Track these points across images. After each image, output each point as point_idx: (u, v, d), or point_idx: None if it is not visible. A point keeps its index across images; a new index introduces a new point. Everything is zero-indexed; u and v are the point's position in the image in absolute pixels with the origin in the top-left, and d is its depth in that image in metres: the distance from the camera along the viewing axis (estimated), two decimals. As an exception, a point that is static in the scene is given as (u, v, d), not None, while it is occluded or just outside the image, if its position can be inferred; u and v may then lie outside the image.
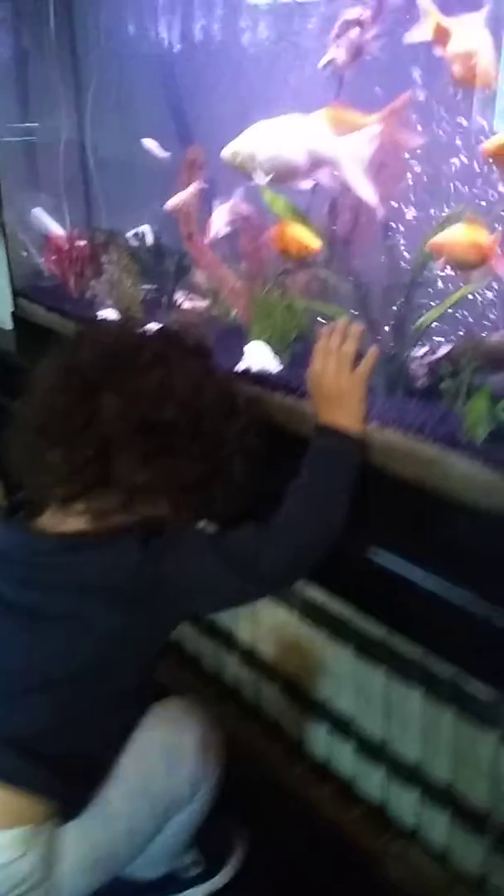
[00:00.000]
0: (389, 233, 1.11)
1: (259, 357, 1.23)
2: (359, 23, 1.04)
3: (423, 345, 1.10)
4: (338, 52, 1.06)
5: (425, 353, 1.08)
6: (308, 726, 1.30)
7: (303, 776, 1.30)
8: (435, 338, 1.11)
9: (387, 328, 1.11)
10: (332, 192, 1.12)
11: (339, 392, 1.04)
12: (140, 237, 1.52)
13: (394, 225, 1.12)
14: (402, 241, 1.12)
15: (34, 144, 1.79)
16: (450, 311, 1.06)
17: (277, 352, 1.23)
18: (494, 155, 0.90)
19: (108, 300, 1.53)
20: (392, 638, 1.08)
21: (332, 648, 1.19)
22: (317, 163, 1.04)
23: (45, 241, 1.71)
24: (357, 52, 1.05)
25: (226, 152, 1.07)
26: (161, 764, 1.00)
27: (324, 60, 1.08)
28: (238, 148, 1.05)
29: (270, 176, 1.04)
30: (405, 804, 1.16)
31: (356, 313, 1.12)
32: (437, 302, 1.09)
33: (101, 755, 0.98)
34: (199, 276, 1.43)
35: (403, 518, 1.03)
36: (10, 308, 1.82)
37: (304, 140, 1.03)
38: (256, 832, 1.21)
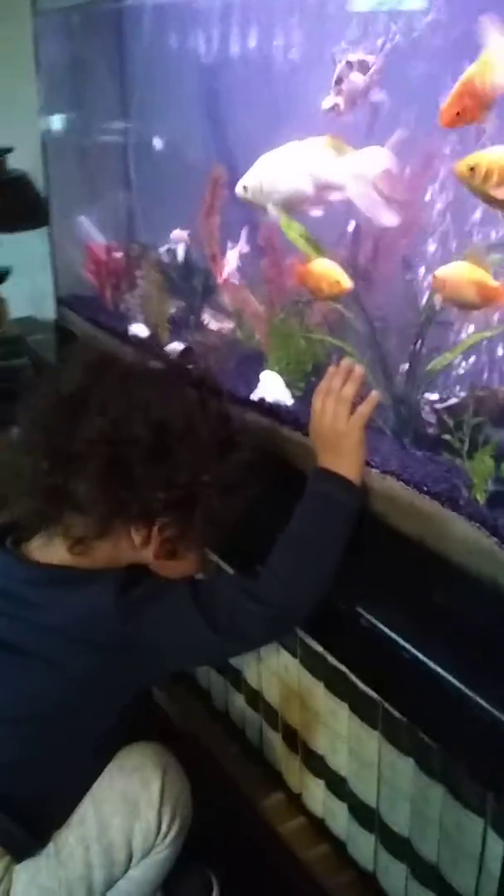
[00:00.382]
0: (408, 267, 1.03)
1: (272, 387, 1.18)
2: (361, 65, 0.97)
3: (436, 390, 1.01)
4: (338, 100, 0.99)
5: (437, 400, 1.00)
6: (307, 779, 1.23)
7: (298, 831, 1.23)
8: (451, 384, 1.03)
9: (399, 369, 1.03)
10: (347, 220, 1.05)
11: (336, 435, 0.98)
12: (172, 253, 1.48)
13: (413, 258, 1.04)
14: (420, 276, 1.04)
15: (84, 153, 1.77)
16: (464, 355, 0.98)
17: (291, 383, 1.17)
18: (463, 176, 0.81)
19: (140, 315, 1.50)
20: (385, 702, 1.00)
21: (330, 703, 1.12)
22: (322, 188, 0.99)
23: (85, 250, 1.69)
24: (357, 97, 0.99)
25: (238, 188, 1.07)
26: (118, 815, 0.96)
27: (325, 106, 1.02)
28: (247, 182, 1.06)
29: (277, 208, 0.99)
30: (395, 877, 1.08)
31: (370, 352, 1.04)
32: (455, 344, 1.00)
33: (57, 799, 0.96)
34: (224, 297, 1.38)
35: (397, 575, 0.96)
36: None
37: (307, 167, 0.99)
38: (240, 887, 1.16)
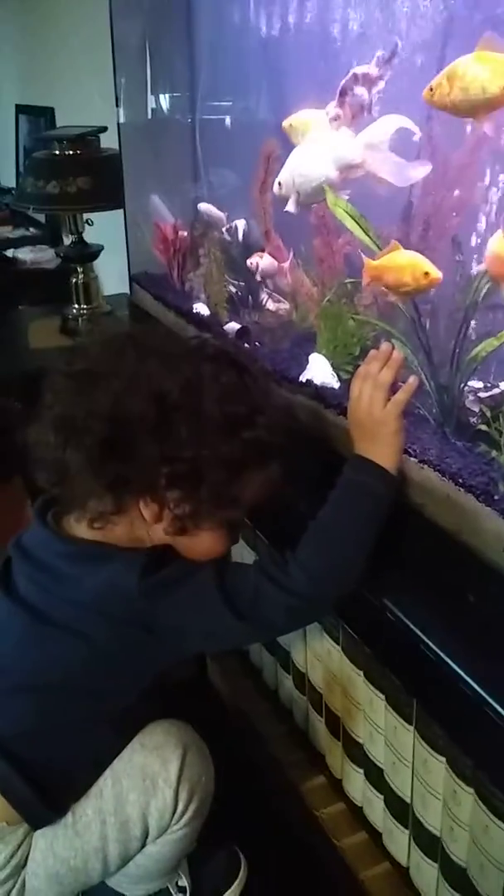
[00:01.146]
0: (457, 247, 0.98)
1: (319, 370, 1.15)
2: (367, 79, 0.93)
3: (480, 378, 0.97)
4: (343, 111, 0.96)
5: (480, 388, 0.95)
6: (347, 766, 1.22)
7: (337, 817, 1.23)
8: (497, 372, 0.98)
9: (444, 355, 0.99)
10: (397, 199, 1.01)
11: (373, 421, 0.95)
12: (233, 231, 1.46)
13: (464, 238, 0.99)
14: (471, 257, 0.98)
15: (155, 131, 1.77)
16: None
17: (339, 366, 1.14)
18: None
19: (202, 294, 1.50)
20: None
21: (369, 693, 1.10)
22: (345, 170, 0.96)
23: (154, 229, 1.70)
24: (362, 109, 0.95)
25: (275, 186, 1.06)
26: (135, 791, 0.98)
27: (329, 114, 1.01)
28: (281, 179, 1.06)
29: (295, 203, 1.01)
30: (427, 875, 1.06)
31: (415, 336, 1.00)
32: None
33: (75, 771, 0.98)
34: (279, 278, 1.36)
35: (430, 570, 0.93)
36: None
37: (327, 152, 0.95)
38: (271, 869, 1.17)
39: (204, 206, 1.57)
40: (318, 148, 1.01)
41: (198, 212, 1.59)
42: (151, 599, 0.90)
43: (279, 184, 1.05)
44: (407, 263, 0.95)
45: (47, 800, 0.94)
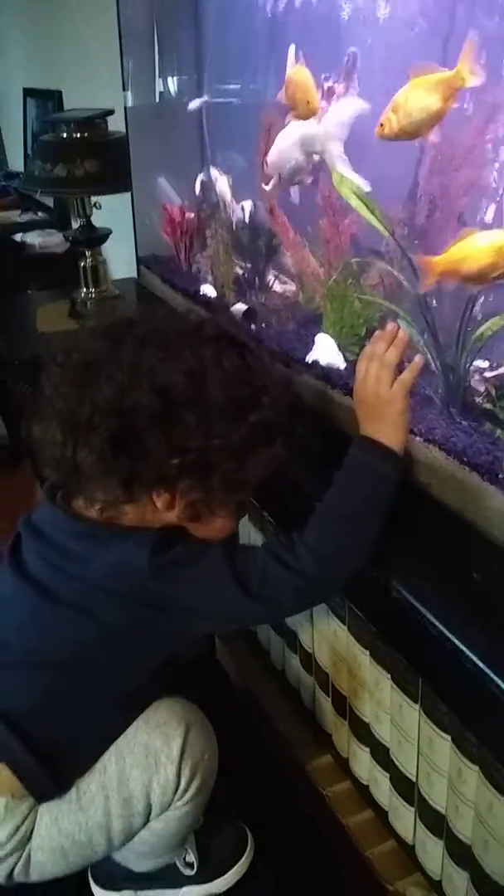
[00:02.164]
0: (464, 226, 0.98)
1: (325, 350, 1.15)
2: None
3: (486, 357, 0.96)
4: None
5: (486, 368, 0.95)
6: (354, 745, 1.23)
7: (343, 795, 1.24)
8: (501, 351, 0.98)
9: (449, 334, 0.98)
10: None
11: (379, 401, 0.95)
12: (239, 212, 1.46)
13: (470, 217, 0.98)
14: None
15: (162, 112, 1.76)
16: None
17: (345, 346, 1.14)
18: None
19: (209, 276, 1.49)
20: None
21: (374, 672, 1.11)
22: (310, 151, 0.99)
23: (162, 211, 1.69)
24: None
25: (264, 166, 1.11)
26: (138, 768, 0.99)
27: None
28: (269, 159, 1.11)
29: (275, 183, 1.00)
30: (432, 852, 1.07)
31: (420, 316, 1.00)
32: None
33: (81, 748, 0.99)
34: (286, 257, 1.35)
35: (435, 548, 0.93)
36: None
37: (296, 134, 0.98)
38: (278, 846, 1.18)
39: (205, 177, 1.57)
40: (294, 129, 1.05)
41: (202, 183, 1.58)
42: (161, 578, 0.90)
43: (266, 163, 1.07)
44: (496, 245, 0.87)
45: (53, 774, 0.95)
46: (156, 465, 0.87)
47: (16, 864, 0.97)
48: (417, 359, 0.94)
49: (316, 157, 1.06)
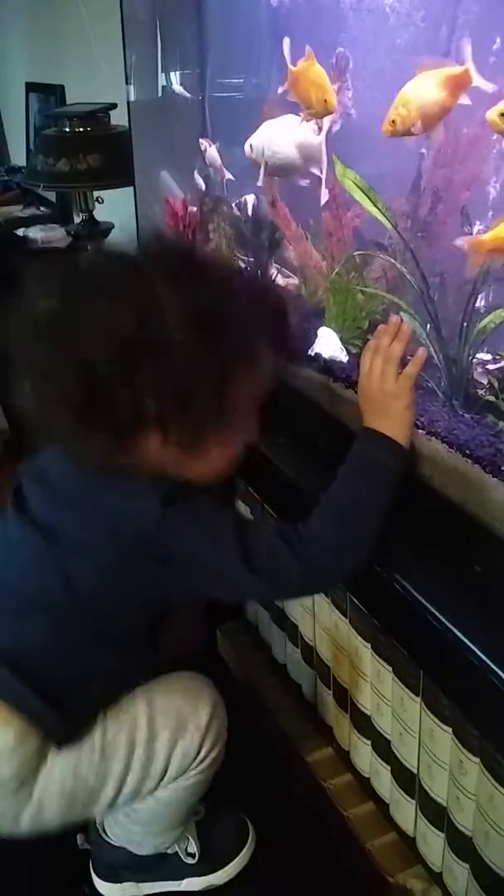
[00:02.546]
0: (467, 219, 0.98)
1: (328, 344, 1.15)
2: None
3: (488, 350, 0.97)
4: None
5: (489, 360, 0.95)
6: (355, 738, 1.23)
7: (344, 788, 1.24)
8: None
9: (452, 327, 0.98)
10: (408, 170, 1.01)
11: (384, 394, 0.95)
12: (242, 206, 1.45)
13: (474, 210, 0.98)
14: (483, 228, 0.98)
15: (164, 106, 1.76)
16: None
17: (347, 340, 1.14)
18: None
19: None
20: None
21: (376, 665, 1.11)
22: (307, 156, 1.00)
23: (164, 205, 1.69)
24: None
25: (246, 146, 1.10)
26: (168, 730, 1.02)
27: None
28: (252, 142, 1.10)
29: (263, 174, 1.07)
30: (433, 844, 1.07)
31: (423, 309, 1.00)
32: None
33: (87, 690, 0.99)
34: (288, 250, 1.35)
35: (437, 541, 0.93)
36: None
37: (294, 135, 1.00)
38: (279, 838, 1.19)
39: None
40: (288, 128, 1.06)
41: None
42: (168, 528, 0.88)
43: (250, 146, 1.07)
44: None
45: (59, 714, 0.94)
46: (133, 413, 0.84)
47: (24, 802, 0.96)
48: (420, 352, 0.94)
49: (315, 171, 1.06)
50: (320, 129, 1.11)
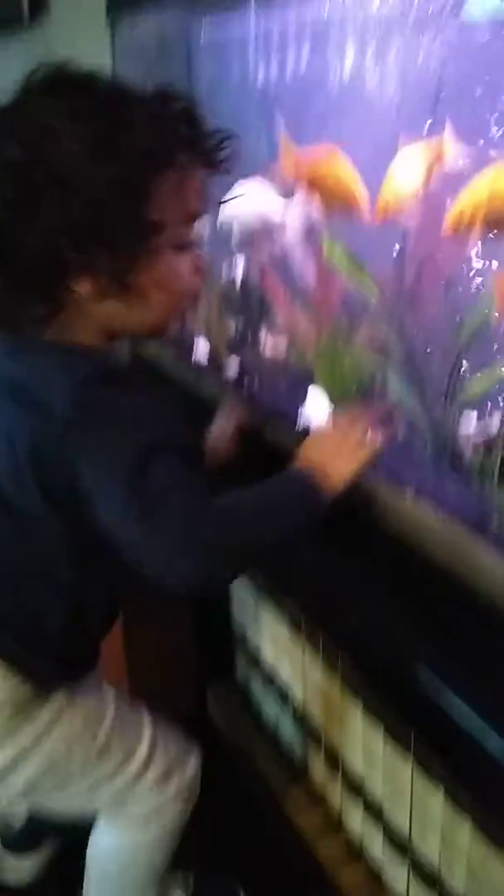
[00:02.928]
0: (453, 286, 1.02)
1: (316, 406, 1.18)
2: None
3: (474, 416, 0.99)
4: None
5: (476, 432, 0.97)
6: (347, 801, 1.22)
7: (335, 852, 1.23)
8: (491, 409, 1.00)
9: (438, 392, 1.02)
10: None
11: (336, 426, 1.01)
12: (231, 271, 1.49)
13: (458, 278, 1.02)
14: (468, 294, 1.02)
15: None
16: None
17: (336, 403, 1.17)
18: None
19: (202, 330, 1.53)
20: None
21: (367, 723, 1.11)
22: (269, 228, 1.08)
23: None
24: None
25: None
26: (158, 769, 1.04)
27: None
28: (221, 217, 1.12)
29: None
30: (426, 908, 1.06)
31: (408, 373, 1.04)
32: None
33: (53, 622, 0.91)
34: (278, 316, 1.39)
35: (422, 604, 0.94)
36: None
37: (255, 206, 1.07)
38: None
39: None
40: (250, 194, 1.09)
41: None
42: (82, 419, 0.78)
43: (220, 222, 1.12)
44: None
45: (31, 648, 0.91)
46: (48, 257, 0.76)
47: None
48: (375, 436, 0.96)
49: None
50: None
